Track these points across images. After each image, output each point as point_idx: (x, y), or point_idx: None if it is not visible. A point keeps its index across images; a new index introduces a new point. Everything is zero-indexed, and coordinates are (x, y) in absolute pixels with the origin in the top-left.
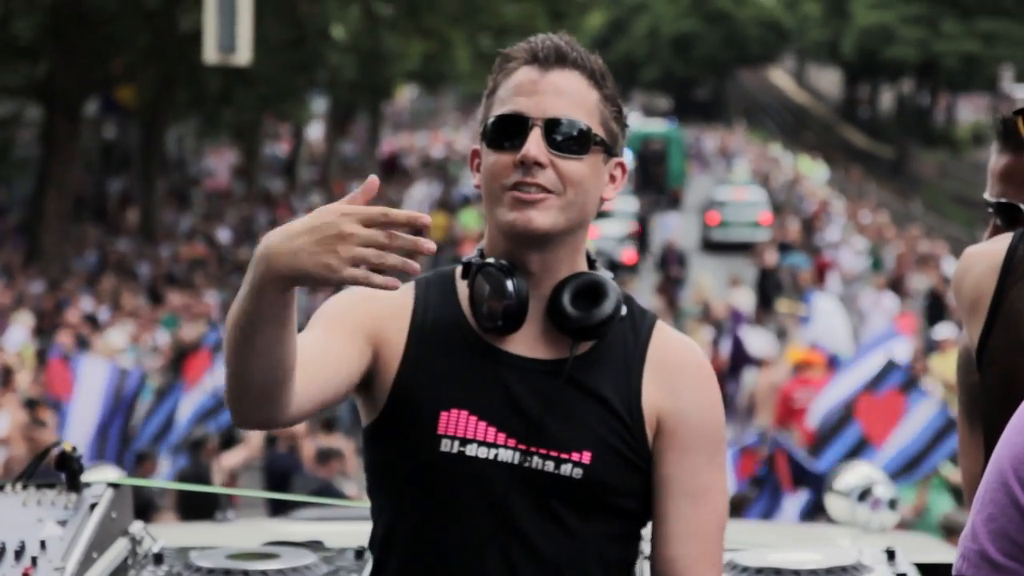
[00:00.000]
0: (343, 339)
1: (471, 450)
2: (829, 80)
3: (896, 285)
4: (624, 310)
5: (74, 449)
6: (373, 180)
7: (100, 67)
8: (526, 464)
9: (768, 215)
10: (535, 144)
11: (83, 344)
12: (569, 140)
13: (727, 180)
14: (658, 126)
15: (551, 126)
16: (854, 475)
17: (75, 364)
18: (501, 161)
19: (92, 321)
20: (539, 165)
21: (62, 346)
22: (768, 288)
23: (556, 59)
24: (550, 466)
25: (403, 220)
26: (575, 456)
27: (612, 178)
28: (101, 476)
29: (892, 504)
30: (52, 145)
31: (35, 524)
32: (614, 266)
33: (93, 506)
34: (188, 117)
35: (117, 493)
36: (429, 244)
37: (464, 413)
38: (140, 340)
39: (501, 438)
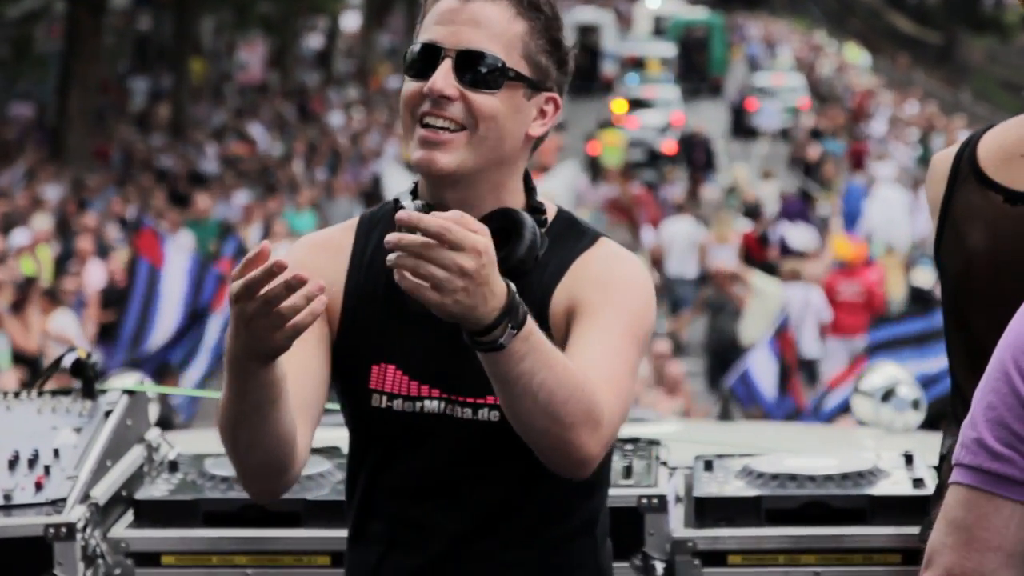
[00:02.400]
0: (306, 350)
1: (397, 405)
2: None
3: None
4: (545, 243)
5: (89, 356)
6: (264, 248)
7: None
8: (448, 413)
9: (807, 101)
10: (442, 76)
11: (103, 251)
12: (481, 74)
13: (769, 67)
14: (700, 13)
15: (463, 58)
16: (879, 375)
17: (163, 238)
18: (412, 90)
19: (122, 223)
20: (446, 98)
21: (152, 222)
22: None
23: None
24: (468, 413)
25: (263, 275)
26: (490, 399)
27: (542, 112)
28: (119, 383)
29: (916, 404)
30: (75, 40)
31: (49, 432)
32: (654, 156)
33: (108, 413)
34: (220, 9)
35: (133, 400)
36: (317, 293)
37: (391, 368)
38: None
39: (425, 390)
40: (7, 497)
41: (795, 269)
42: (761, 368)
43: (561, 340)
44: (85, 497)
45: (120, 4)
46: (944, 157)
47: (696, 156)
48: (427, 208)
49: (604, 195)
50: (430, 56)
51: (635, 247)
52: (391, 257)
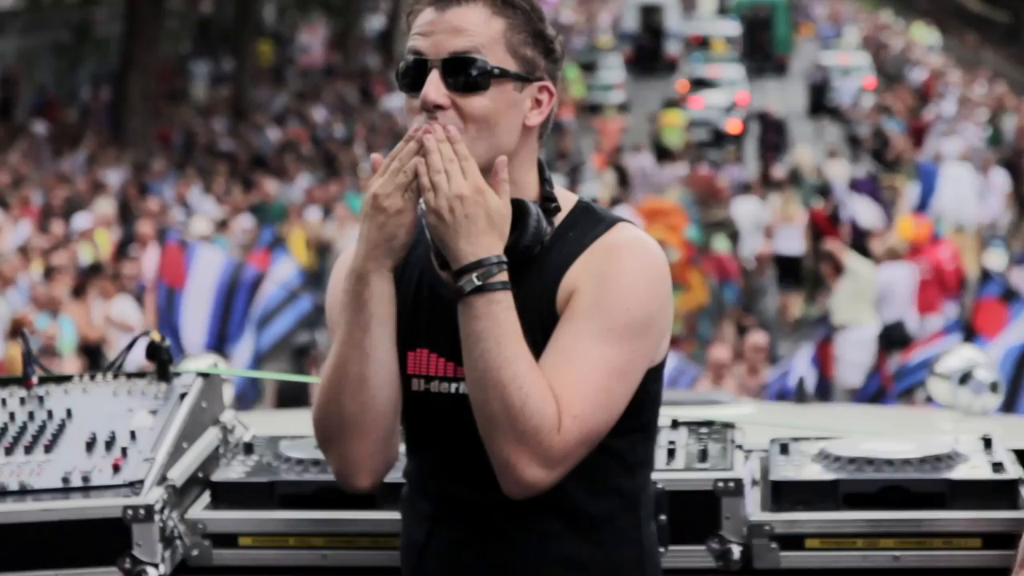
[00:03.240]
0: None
1: (434, 387)
2: None
3: (1012, 162)
4: (547, 228)
5: (163, 339)
6: (375, 159)
7: None
8: None
9: (873, 80)
10: (433, 87)
11: (163, 234)
12: (469, 76)
13: (835, 46)
14: None
15: (448, 66)
16: (956, 358)
17: (190, 251)
18: (410, 105)
19: (184, 206)
20: (439, 107)
21: (178, 232)
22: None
23: None
24: None
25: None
26: None
27: (537, 102)
28: (192, 366)
29: (993, 387)
30: (135, 23)
31: (125, 414)
32: (719, 136)
33: (183, 395)
34: None
35: (208, 382)
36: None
37: (425, 352)
38: (228, 229)
39: (460, 371)
40: (85, 479)
41: (894, 248)
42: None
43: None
44: (162, 479)
45: None
46: None
47: (768, 136)
48: None
49: (673, 175)
50: (418, 69)
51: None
52: (422, 131)
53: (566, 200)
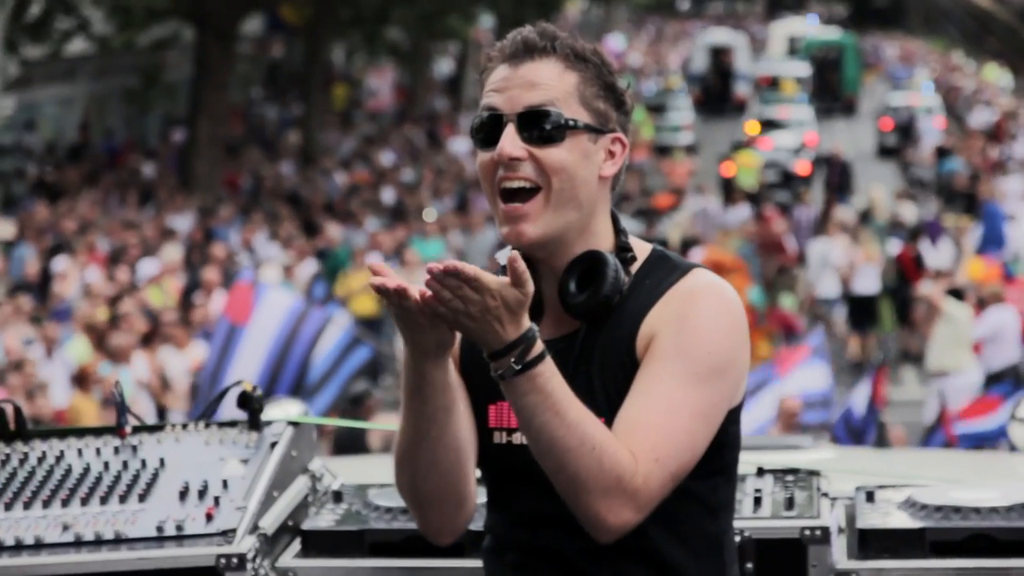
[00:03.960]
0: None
1: (516, 439)
2: None
3: None
4: (625, 278)
5: (255, 388)
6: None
7: None
8: None
9: (943, 120)
10: (509, 141)
11: (229, 279)
12: (544, 130)
13: (906, 87)
14: (832, 33)
15: (524, 120)
16: None
17: (259, 292)
18: (485, 160)
19: (250, 252)
20: (516, 159)
21: (250, 273)
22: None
23: (525, 52)
24: None
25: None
26: None
27: (611, 154)
28: (282, 414)
29: None
30: (204, 68)
31: (217, 463)
32: (788, 177)
33: (273, 444)
34: (350, 35)
35: (297, 431)
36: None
37: (506, 405)
38: (293, 274)
39: None
40: (179, 527)
41: (997, 291)
42: (881, 423)
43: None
44: (254, 527)
45: (252, 31)
46: None
47: (832, 178)
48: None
49: (737, 218)
50: (494, 124)
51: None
52: (428, 281)
53: (641, 249)
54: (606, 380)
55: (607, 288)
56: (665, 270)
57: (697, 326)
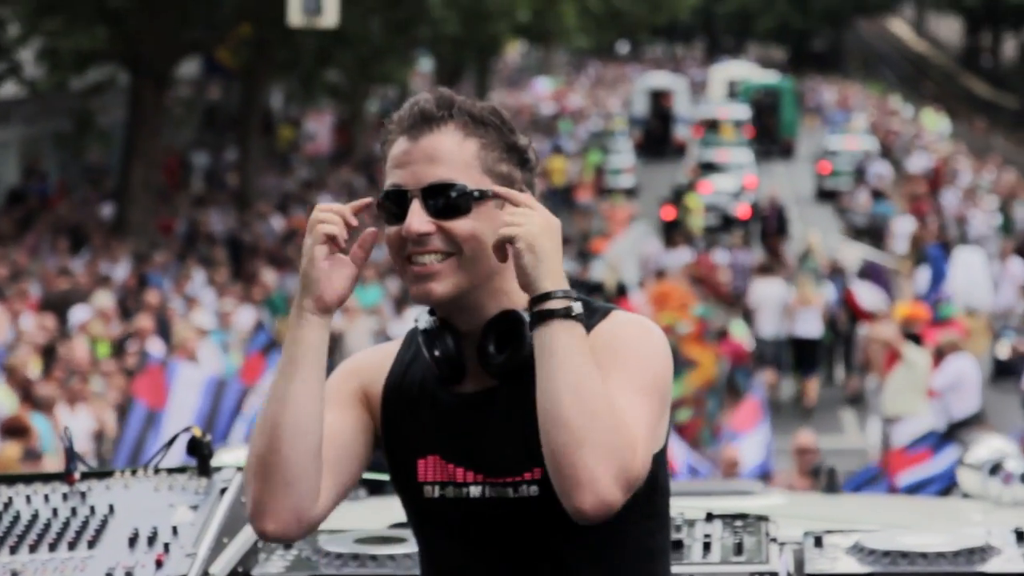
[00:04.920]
0: (345, 418)
1: (449, 492)
2: (950, 28)
3: None
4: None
5: (204, 434)
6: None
7: (189, 31)
8: (490, 495)
9: (887, 165)
10: (416, 217)
11: (163, 326)
12: (450, 200)
13: (844, 130)
14: (771, 77)
15: (428, 193)
16: (985, 448)
17: (171, 371)
18: (392, 234)
19: (184, 299)
20: (425, 235)
21: (160, 355)
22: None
23: (423, 123)
24: (510, 492)
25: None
26: (527, 476)
27: None
28: (232, 460)
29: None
30: (138, 113)
31: (167, 509)
32: (728, 221)
33: (223, 490)
34: (287, 79)
35: None
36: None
37: (434, 459)
38: (228, 322)
39: (469, 476)
40: (129, 574)
41: (955, 341)
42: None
43: None
44: (204, 574)
45: (188, 74)
46: None
47: (769, 222)
48: (435, 332)
49: (678, 260)
50: (399, 199)
51: (731, 314)
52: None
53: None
54: (537, 428)
55: (527, 349)
56: (587, 314)
57: (629, 348)
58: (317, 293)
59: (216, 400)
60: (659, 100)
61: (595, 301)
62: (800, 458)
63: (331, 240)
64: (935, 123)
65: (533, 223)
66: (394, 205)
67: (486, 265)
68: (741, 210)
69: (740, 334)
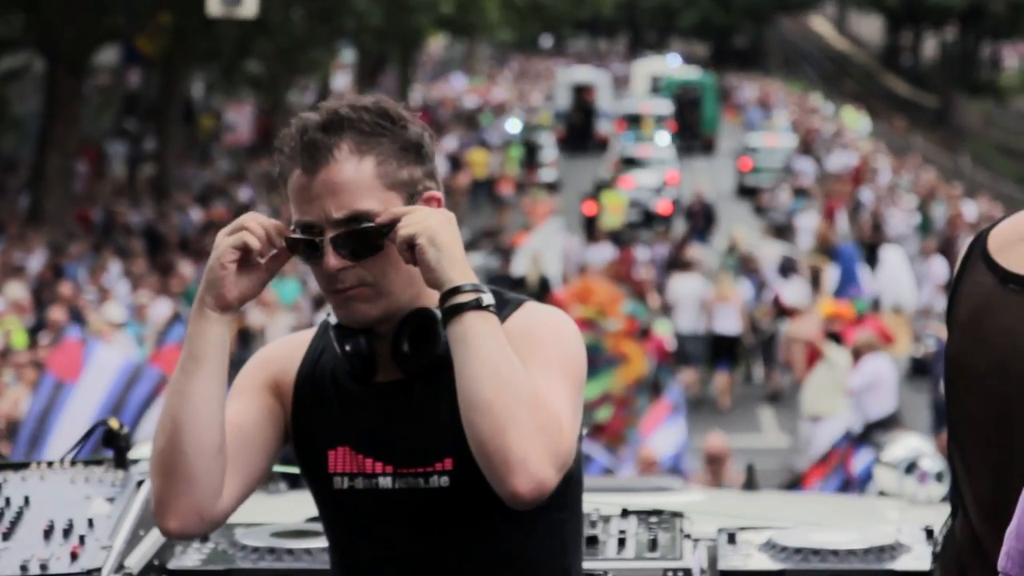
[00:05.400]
0: (252, 409)
1: (359, 483)
2: (871, 27)
3: (946, 249)
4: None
5: (121, 427)
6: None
7: (105, 19)
8: (400, 486)
9: (810, 162)
10: (333, 259)
11: (77, 318)
12: (363, 244)
13: (764, 128)
14: (693, 74)
15: (338, 241)
16: (901, 447)
17: (88, 349)
18: (315, 269)
19: (100, 290)
20: (344, 270)
21: (78, 330)
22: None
23: (316, 155)
24: (420, 482)
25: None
26: (438, 466)
27: None
28: (149, 452)
29: (939, 477)
30: (54, 101)
31: (83, 501)
32: (649, 217)
33: (140, 483)
34: (207, 68)
35: None
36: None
37: (346, 449)
38: (143, 315)
39: (379, 467)
40: (43, 567)
41: (871, 341)
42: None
43: None
44: (120, 567)
45: (108, 61)
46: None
47: (696, 219)
48: (347, 331)
49: (600, 257)
50: (310, 244)
51: (649, 310)
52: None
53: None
54: (454, 418)
55: (441, 348)
56: (499, 306)
57: (545, 336)
58: (219, 291)
59: (129, 385)
60: (582, 94)
61: (507, 293)
62: (710, 468)
63: (246, 250)
64: (855, 121)
65: (428, 218)
66: (304, 245)
67: (408, 278)
68: (662, 206)
69: (664, 331)
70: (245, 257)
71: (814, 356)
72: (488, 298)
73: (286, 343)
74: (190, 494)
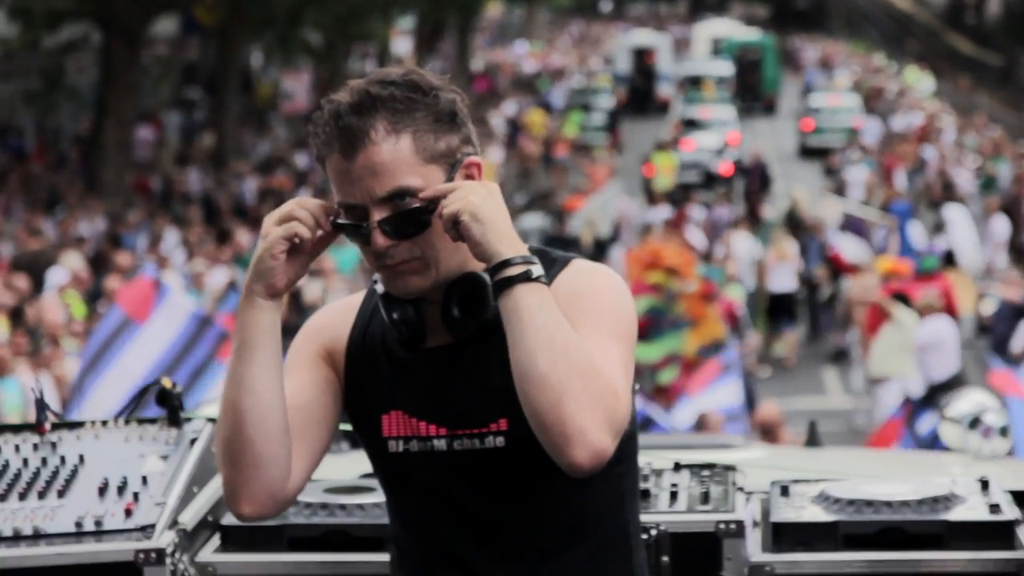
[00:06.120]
0: (310, 382)
1: (413, 446)
2: None
3: (1011, 208)
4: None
5: (174, 385)
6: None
7: None
8: (456, 448)
9: (861, 121)
10: (380, 239)
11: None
12: (406, 224)
13: (826, 88)
14: (754, 34)
15: (384, 225)
16: (966, 402)
17: (161, 292)
18: (364, 250)
19: (157, 259)
20: (392, 247)
21: (154, 269)
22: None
23: (352, 139)
24: (476, 443)
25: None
26: (493, 427)
27: (470, 179)
28: (202, 412)
29: (1003, 431)
30: (110, 71)
31: (137, 459)
32: (710, 178)
33: (193, 441)
34: (263, 38)
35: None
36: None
37: (399, 413)
38: (200, 283)
39: (433, 429)
40: (98, 523)
41: (932, 303)
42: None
43: None
44: (173, 523)
45: (166, 32)
46: None
47: (752, 180)
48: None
49: (657, 217)
50: (356, 224)
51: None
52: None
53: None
54: (507, 380)
55: (490, 313)
56: (546, 266)
57: (593, 295)
58: (270, 280)
59: (193, 339)
60: (642, 58)
61: (554, 251)
62: (764, 438)
63: (296, 239)
64: (919, 81)
65: (472, 193)
66: (352, 231)
67: (453, 248)
68: (724, 167)
69: (734, 295)
70: (293, 245)
71: (877, 316)
72: (538, 269)
73: (335, 310)
74: (259, 479)
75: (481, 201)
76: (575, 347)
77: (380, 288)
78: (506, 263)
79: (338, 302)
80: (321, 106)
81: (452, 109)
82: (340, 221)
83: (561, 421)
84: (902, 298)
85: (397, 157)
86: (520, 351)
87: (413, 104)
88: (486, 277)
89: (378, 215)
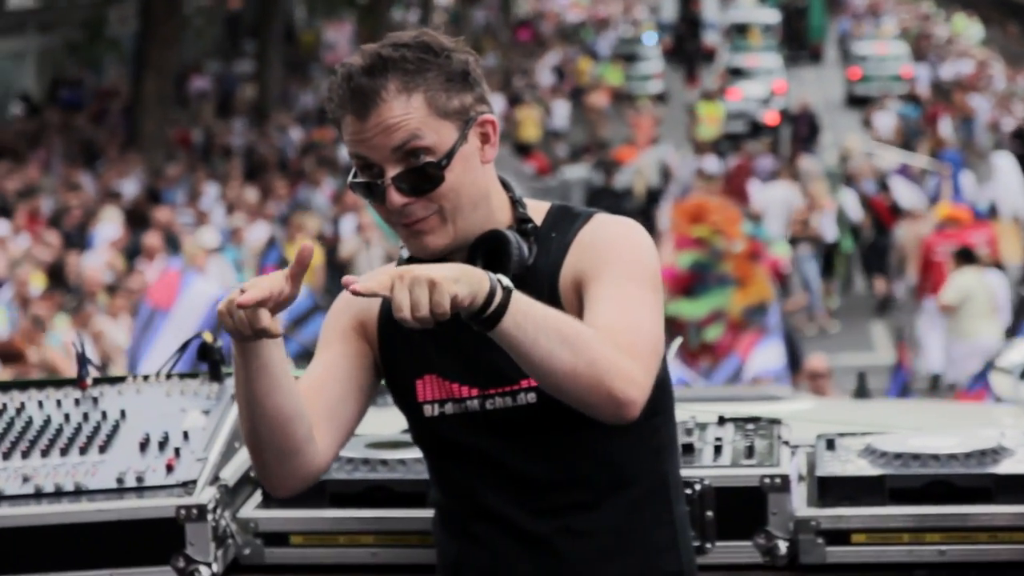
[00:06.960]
0: (342, 356)
1: (448, 408)
2: None
3: None
4: (526, 251)
5: (215, 339)
6: (307, 248)
7: None
8: (489, 407)
9: (910, 69)
10: (396, 196)
11: (172, 244)
12: (423, 182)
13: (873, 35)
14: None
15: (398, 181)
16: (1018, 353)
17: (185, 280)
18: (377, 207)
19: (196, 213)
20: (407, 205)
21: (179, 262)
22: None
23: (365, 100)
24: (508, 401)
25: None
26: (524, 383)
27: (485, 137)
28: None
29: None
30: (150, 23)
31: (178, 414)
32: (756, 127)
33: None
34: None
35: None
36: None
37: (432, 377)
38: (239, 239)
39: (465, 390)
40: (139, 479)
41: (980, 257)
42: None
43: (577, 314)
44: (215, 479)
45: None
46: None
47: (799, 129)
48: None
49: (709, 167)
50: (372, 187)
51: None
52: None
53: (539, 209)
54: None
55: (513, 268)
56: (568, 221)
57: (619, 247)
58: (258, 339)
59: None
60: (688, 5)
61: (575, 207)
62: (812, 385)
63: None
64: (967, 28)
65: (403, 289)
66: (367, 190)
67: (470, 202)
68: (769, 116)
69: (780, 252)
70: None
71: (930, 265)
72: (504, 279)
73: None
74: (285, 464)
75: (421, 281)
76: (584, 331)
77: (405, 253)
78: (487, 302)
79: (367, 274)
80: (335, 70)
81: (465, 69)
82: (356, 181)
83: (596, 376)
84: (968, 255)
85: (409, 111)
86: (537, 356)
87: (425, 64)
88: (510, 233)
89: (392, 171)
